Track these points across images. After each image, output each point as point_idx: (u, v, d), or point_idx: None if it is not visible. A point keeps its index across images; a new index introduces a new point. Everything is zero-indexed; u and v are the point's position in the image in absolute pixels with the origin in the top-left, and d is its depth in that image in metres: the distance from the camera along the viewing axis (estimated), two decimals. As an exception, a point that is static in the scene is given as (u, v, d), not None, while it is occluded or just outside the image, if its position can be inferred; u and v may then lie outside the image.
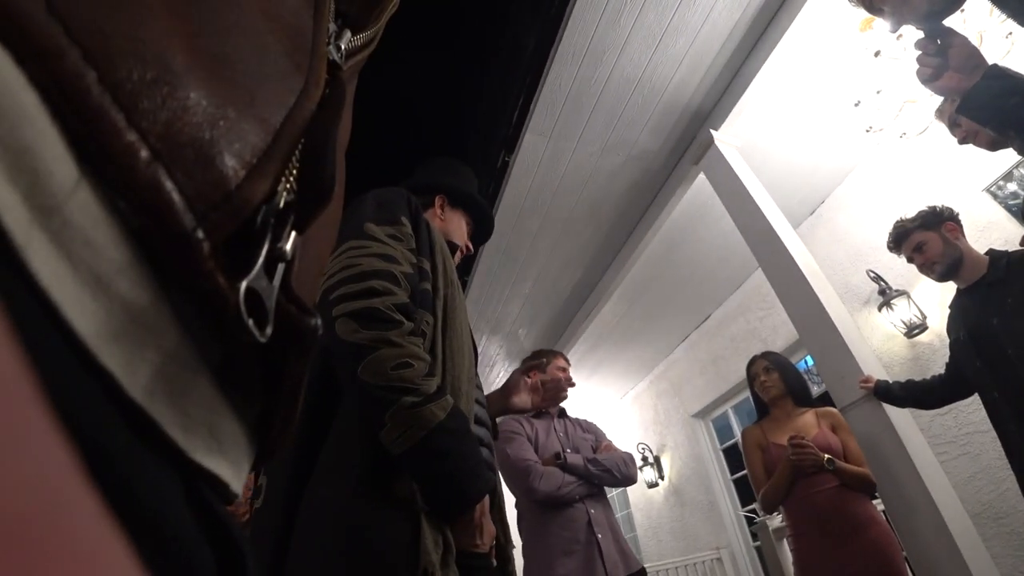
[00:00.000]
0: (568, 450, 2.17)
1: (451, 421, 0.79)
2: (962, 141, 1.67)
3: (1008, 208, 2.72)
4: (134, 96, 0.16)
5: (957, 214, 1.89)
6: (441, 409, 0.79)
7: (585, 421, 2.43)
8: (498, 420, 1.29)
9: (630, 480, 2.16)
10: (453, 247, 1.27)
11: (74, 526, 0.09)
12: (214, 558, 0.20)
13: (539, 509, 2.05)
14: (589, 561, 1.91)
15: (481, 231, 1.38)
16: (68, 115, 0.15)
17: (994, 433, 1.75)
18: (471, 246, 1.35)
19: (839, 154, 3.31)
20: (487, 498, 0.84)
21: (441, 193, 1.29)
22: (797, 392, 2.34)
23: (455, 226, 1.29)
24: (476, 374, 1.14)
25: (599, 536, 1.97)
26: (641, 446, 5.64)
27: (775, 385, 2.34)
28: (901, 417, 2.04)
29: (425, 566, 0.71)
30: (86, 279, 0.15)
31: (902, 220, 1.94)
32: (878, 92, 2.57)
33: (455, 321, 0.94)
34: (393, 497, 0.77)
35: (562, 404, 2.41)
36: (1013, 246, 1.81)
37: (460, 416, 0.82)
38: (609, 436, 2.44)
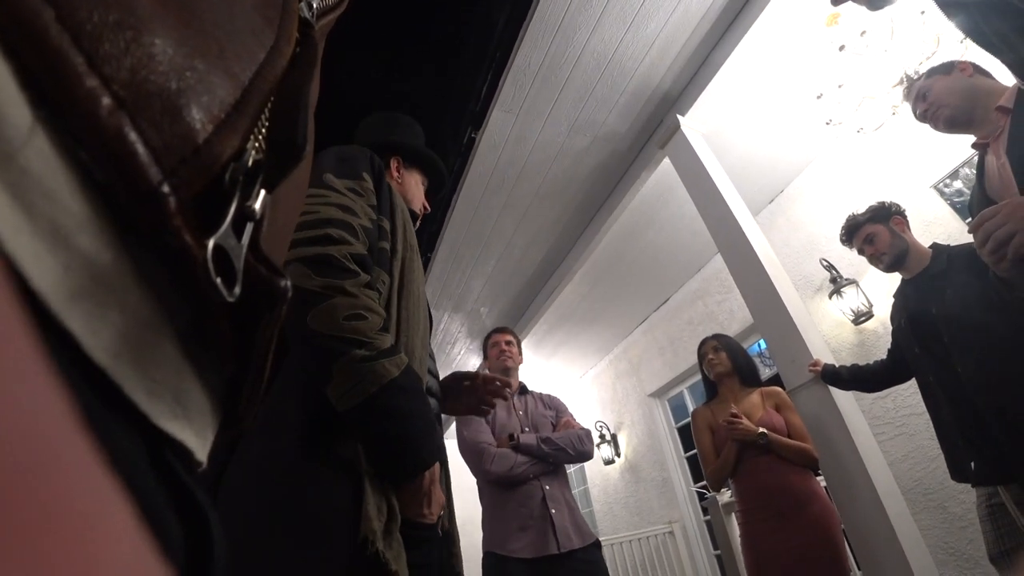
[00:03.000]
0: (526, 429, 2.21)
1: (405, 379, 0.74)
2: (922, 115, 1.68)
3: (953, 205, 2.85)
4: (96, 39, 0.15)
5: (904, 209, 1.98)
6: (395, 366, 0.74)
7: (548, 396, 2.45)
8: None
9: (586, 456, 2.20)
10: (413, 211, 1.22)
11: (77, 471, 0.09)
12: (181, 526, 0.20)
13: (496, 487, 2.11)
14: (542, 535, 1.97)
15: (436, 186, 1.32)
16: (23, 54, 0.14)
17: (928, 416, 1.85)
18: (428, 205, 1.30)
19: (799, 146, 3.40)
20: (437, 466, 0.77)
21: (396, 154, 1.23)
22: (744, 373, 2.44)
23: (412, 188, 1.23)
24: (429, 343, 1.13)
25: (553, 511, 2.02)
26: (599, 424, 5.76)
27: (721, 363, 2.43)
28: (845, 399, 2.14)
29: (366, 534, 0.65)
30: (44, 233, 0.14)
31: (853, 214, 2.02)
32: (840, 86, 2.64)
33: (412, 284, 0.91)
34: (334, 457, 0.71)
35: (522, 381, 2.44)
36: (956, 241, 1.90)
37: (414, 375, 0.77)
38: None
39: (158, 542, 0.17)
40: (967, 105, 1.55)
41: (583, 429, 2.26)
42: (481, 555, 2.06)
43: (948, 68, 1.64)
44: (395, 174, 1.21)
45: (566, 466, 2.27)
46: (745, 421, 2.17)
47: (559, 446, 2.13)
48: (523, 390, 2.41)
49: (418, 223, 1.24)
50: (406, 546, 0.71)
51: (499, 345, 2.39)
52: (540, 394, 2.45)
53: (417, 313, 0.89)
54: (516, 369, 2.39)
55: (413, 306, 0.89)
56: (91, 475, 0.10)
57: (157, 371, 0.18)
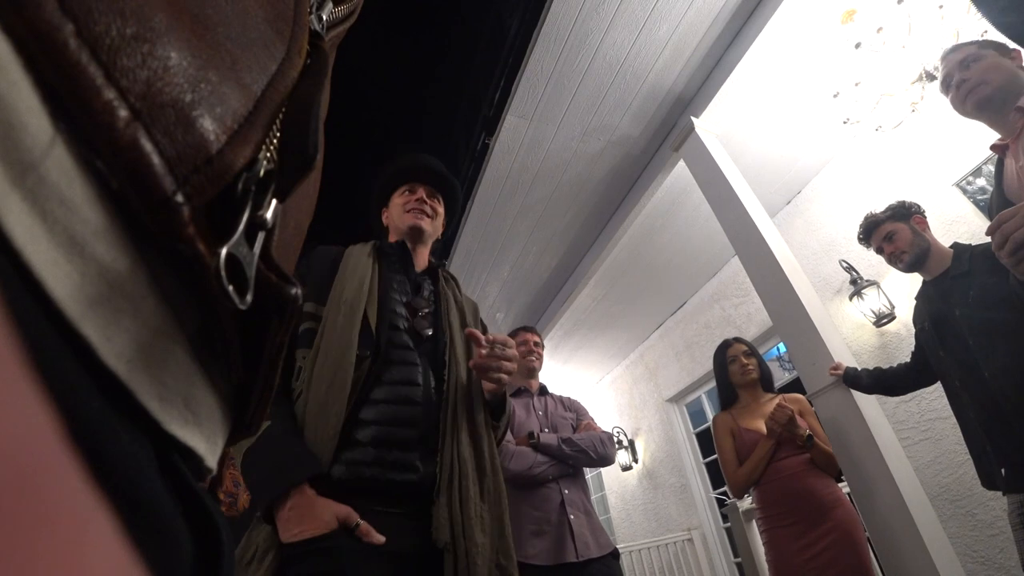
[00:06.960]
0: (546, 429, 2.15)
1: (257, 442, 0.91)
2: (957, 83, 1.57)
3: (976, 203, 2.79)
4: (113, 52, 0.15)
5: (924, 209, 1.94)
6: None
7: (568, 399, 2.40)
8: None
9: (607, 460, 2.13)
10: (402, 239, 1.35)
11: (55, 491, 0.09)
12: (189, 532, 0.20)
13: (512, 488, 2.01)
14: (559, 541, 1.90)
15: (407, 177, 1.43)
16: (44, 68, 0.14)
17: (955, 420, 1.81)
18: (424, 201, 1.40)
19: (816, 146, 3.35)
20: (302, 491, 0.89)
21: (379, 208, 1.44)
22: (767, 378, 2.41)
23: (396, 217, 1.39)
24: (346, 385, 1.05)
25: (571, 517, 1.95)
26: (616, 429, 5.72)
27: (755, 369, 2.39)
28: (868, 403, 2.10)
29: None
30: (61, 240, 0.14)
31: (872, 213, 1.99)
32: (856, 84, 2.61)
33: (326, 343, 1.02)
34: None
35: (542, 382, 2.40)
36: (978, 240, 1.86)
37: (264, 435, 0.91)
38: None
39: (164, 549, 0.17)
40: (1007, 90, 1.47)
41: (605, 432, 2.18)
42: None
43: (1006, 50, 1.54)
44: (384, 222, 1.42)
45: (584, 471, 2.19)
46: (796, 415, 2.12)
47: (580, 448, 2.05)
48: (542, 391, 2.36)
49: (425, 230, 1.41)
50: (289, 560, 0.85)
51: (528, 344, 2.32)
52: (560, 396, 2.38)
53: (324, 365, 1.00)
54: (538, 371, 2.35)
55: (320, 362, 1.00)
56: (71, 493, 0.10)
57: (168, 377, 0.19)
